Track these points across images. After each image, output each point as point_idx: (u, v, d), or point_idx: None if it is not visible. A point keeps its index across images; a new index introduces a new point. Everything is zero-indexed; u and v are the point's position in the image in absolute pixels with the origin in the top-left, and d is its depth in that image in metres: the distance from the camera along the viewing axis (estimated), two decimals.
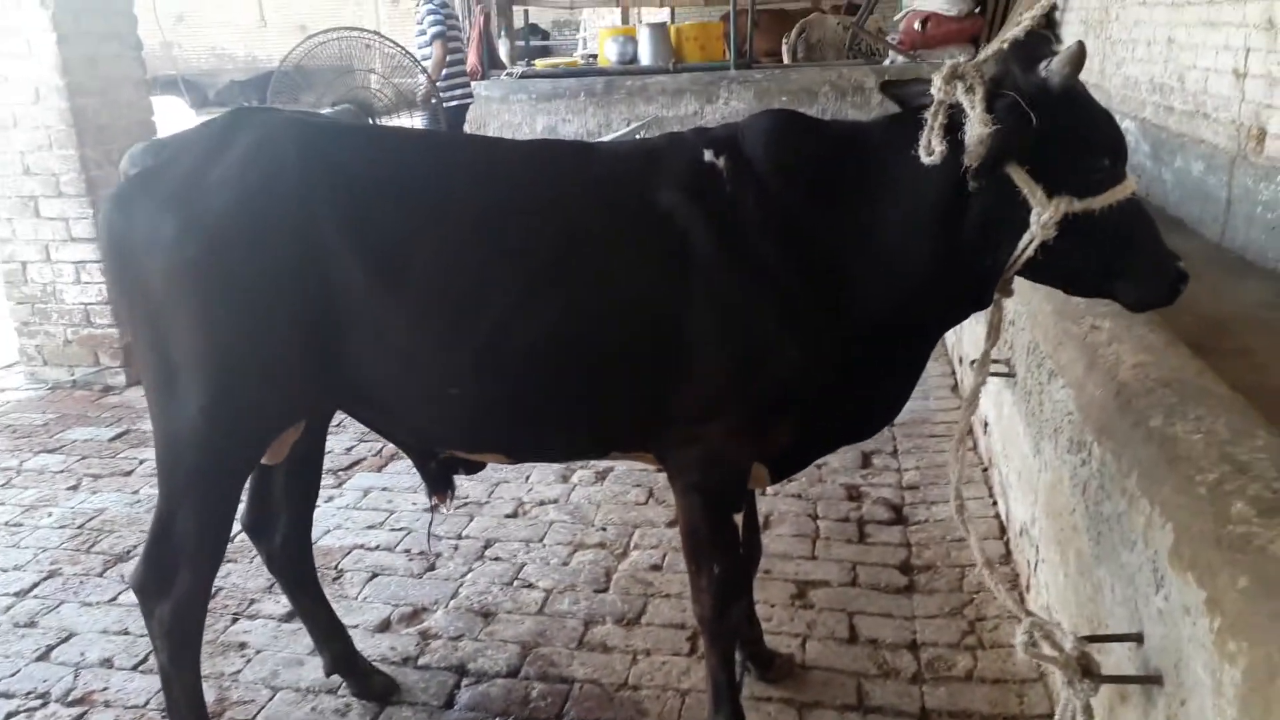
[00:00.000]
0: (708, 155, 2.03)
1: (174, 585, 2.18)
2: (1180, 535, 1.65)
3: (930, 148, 1.89)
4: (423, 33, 7.70)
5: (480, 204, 2.06)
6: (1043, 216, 1.82)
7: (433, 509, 3.19)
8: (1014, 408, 3.16)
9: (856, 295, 2.01)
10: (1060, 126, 1.82)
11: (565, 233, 2.03)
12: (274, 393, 2.10)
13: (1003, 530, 3.38)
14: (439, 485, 2.49)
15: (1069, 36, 7.93)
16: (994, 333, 2.12)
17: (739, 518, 2.25)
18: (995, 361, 3.02)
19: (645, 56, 10.81)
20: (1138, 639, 1.80)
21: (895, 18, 10.34)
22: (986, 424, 3.89)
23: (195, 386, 2.04)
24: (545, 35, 17.79)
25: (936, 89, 1.87)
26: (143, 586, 2.22)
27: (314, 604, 2.68)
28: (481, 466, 2.49)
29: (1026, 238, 1.85)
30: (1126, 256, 1.88)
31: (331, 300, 2.01)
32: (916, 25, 9.66)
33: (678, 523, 2.31)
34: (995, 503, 3.57)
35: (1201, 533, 1.60)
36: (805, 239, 2.02)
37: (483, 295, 2.01)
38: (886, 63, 9.99)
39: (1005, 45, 1.89)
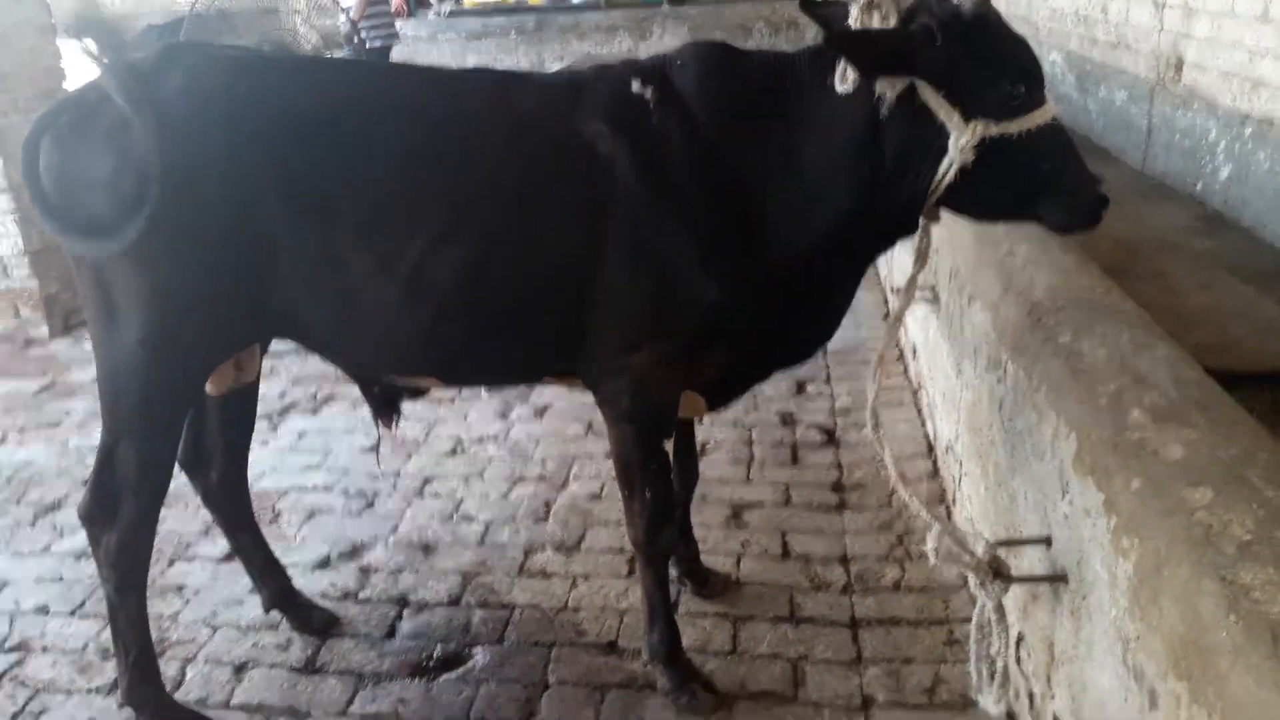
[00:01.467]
0: (635, 86, 2.04)
1: (120, 514, 2.21)
2: (1082, 443, 1.73)
3: (845, 76, 1.92)
4: None
5: (405, 135, 2.06)
6: (960, 140, 1.86)
7: (378, 439, 3.18)
8: (938, 331, 3.24)
9: (781, 225, 2.04)
10: (974, 52, 1.86)
11: (488, 162, 2.04)
12: (211, 324, 2.12)
13: (930, 449, 3.50)
14: (384, 411, 2.51)
15: None
16: (920, 259, 2.17)
17: (670, 444, 2.30)
18: (921, 288, 3.11)
19: None
20: (1046, 542, 1.90)
21: None
22: (915, 348, 3.99)
23: (134, 319, 2.05)
24: None
25: (853, 18, 1.89)
26: (89, 515, 2.24)
27: (251, 541, 2.70)
28: (424, 392, 2.52)
29: (945, 162, 1.89)
30: (1048, 180, 1.92)
31: (263, 232, 2.02)
32: None
33: (611, 451, 2.35)
34: (924, 423, 3.68)
35: (1101, 440, 1.69)
36: (729, 170, 2.04)
37: (407, 226, 2.02)
38: None
39: None
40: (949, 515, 3.07)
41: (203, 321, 2.10)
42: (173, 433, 2.23)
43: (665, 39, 9.65)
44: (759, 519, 3.18)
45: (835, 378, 4.20)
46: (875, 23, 1.87)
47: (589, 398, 2.35)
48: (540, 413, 4.06)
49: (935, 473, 3.35)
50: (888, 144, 1.95)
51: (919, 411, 3.79)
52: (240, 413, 2.53)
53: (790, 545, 3.03)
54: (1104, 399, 1.76)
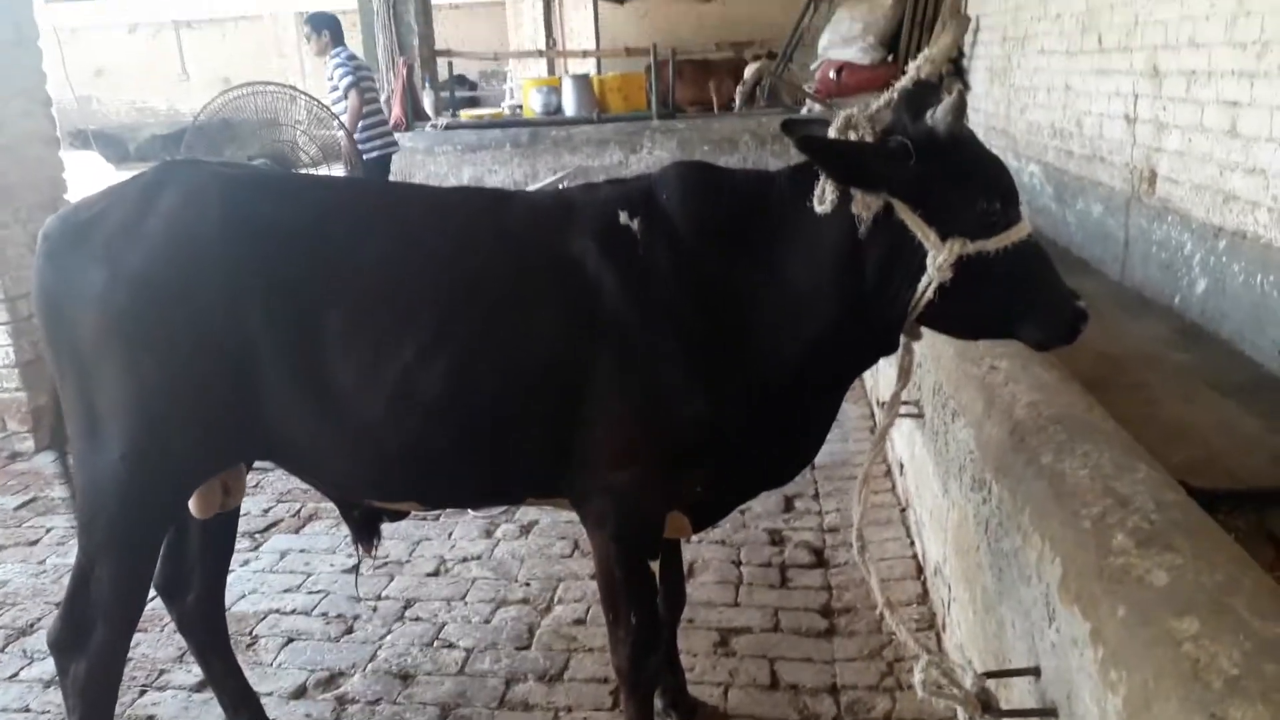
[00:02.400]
0: (622, 217, 2.09)
1: (90, 640, 2.17)
2: (1067, 568, 1.71)
3: (823, 196, 1.98)
4: (335, 87, 7.69)
5: (392, 254, 2.11)
6: (938, 259, 1.90)
7: (357, 565, 3.14)
8: (924, 448, 3.24)
9: (766, 344, 2.07)
10: (949, 170, 1.91)
11: (472, 282, 2.08)
12: (196, 441, 2.12)
13: (919, 570, 3.45)
14: (364, 534, 2.48)
15: (976, 84, 8.27)
16: (903, 376, 2.19)
17: (655, 566, 2.27)
18: (905, 403, 3.12)
19: (570, 107, 10.97)
20: (1035, 673, 1.86)
21: (812, 66, 10.66)
22: (902, 465, 3.98)
23: (119, 434, 2.06)
24: (473, 86, 17.85)
25: (835, 137, 1.96)
26: (59, 643, 2.21)
27: (224, 668, 2.64)
28: (404, 515, 2.50)
29: (924, 280, 1.93)
30: (1025, 297, 1.96)
31: (251, 350, 2.05)
32: (831, 74, 9.97)
33: (596, 572, 2.32)
34: (912, 543, 3.64)
35: (1086, 565, 1.67)
36: (714, 291, 2.08)
37: (390, 345, 2.04)
38: (804, 111, 10.26)
39: (895, 95, 1.98)
40: (939, 642, 3.01)
41: (187, 437, 2.10)
42: (152, 554, 2.22)
43: (655, 152, 9.93)
44: (747, 645, 3.11)
45: (823, 493, 4.18)
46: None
47: (573, 513, 2.33)
48: (526, 529, 4.01)
49: (925, 596, 3.30)
50: (868, 263, 1.99)
51: (908, 530, 3.76)
52: (221, 535, 2.52)
53: (779, 674, 2.96)
54: (1087, 522, 1.75)
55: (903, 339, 2.11)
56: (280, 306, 2.04)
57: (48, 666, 3.03)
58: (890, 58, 9.81)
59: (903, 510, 3.90)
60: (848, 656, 3.02)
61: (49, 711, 2.93)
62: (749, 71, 11.71)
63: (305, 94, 7.06)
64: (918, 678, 1.78)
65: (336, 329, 2.05)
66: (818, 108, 10.29)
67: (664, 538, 2.32)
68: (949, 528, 2.79)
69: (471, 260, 2.11)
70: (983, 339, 2.22)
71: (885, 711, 2.75)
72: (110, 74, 21.37)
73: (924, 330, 2.12)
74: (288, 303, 2.05)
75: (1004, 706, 1.82)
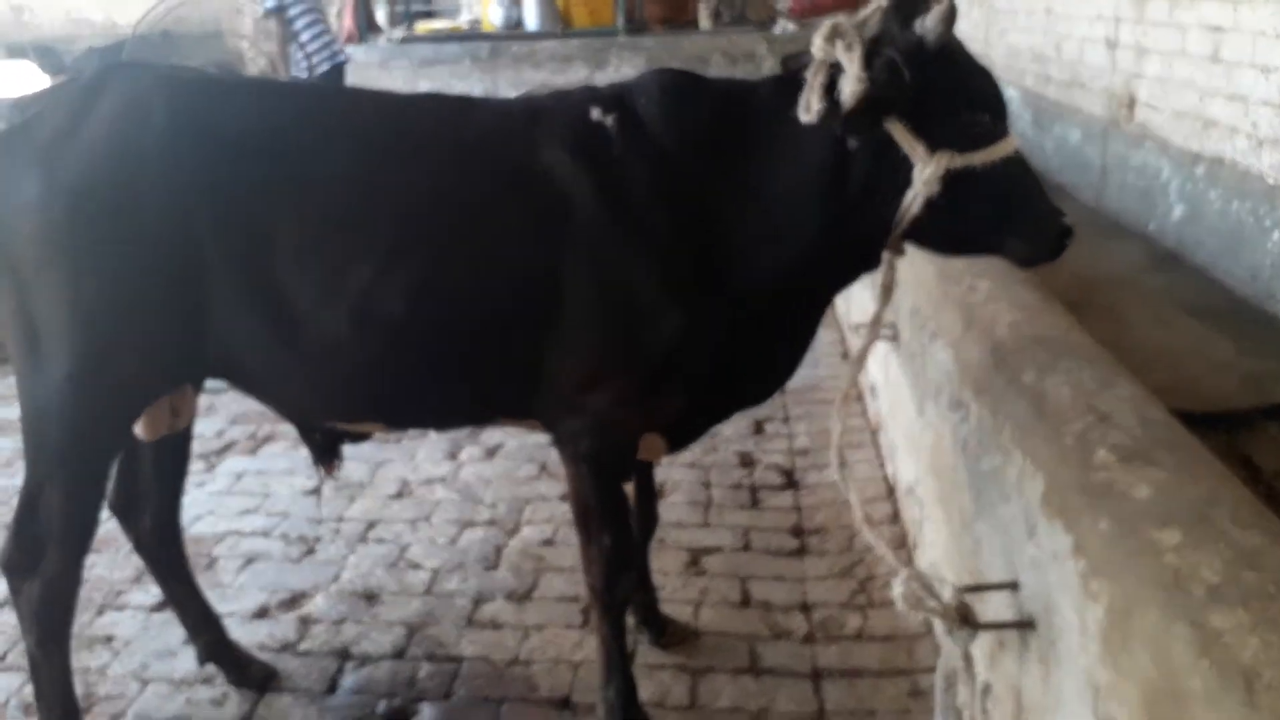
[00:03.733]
0: (595, 113, 2.04)
1: (42, 563, 2.13)
2: (1049, 484, 1.75)
3: (809, 106, 1.95)
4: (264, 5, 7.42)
5: (351, 160, 2.04)
6: (925, 172, 1.88)
7: (319, 484, 3.09)
8: (899, 370, 3.27)
9: (744, 258, 2.05)
10: (937, 82, 1.89)
11: (438, 187, 2.03)
12: (143, 359, 2.06)
13: (891, 491, 3.51)
14: (325, 455, 2.46)
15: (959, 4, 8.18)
16: (885, 294, 2.17)
17: (629, 487, 2.28)
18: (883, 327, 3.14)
19: (532, 21, 10.69)
20: (1012, 586, 1.90)
21: None
22: (874, 388, 4.02)
23: (61, 354, 2.00)
24: (427, 1, 17.34)
25: (816, 47, 1.92)
26: (9, 564, 2.17)
27: (184, 590, 2.62)
28: (367, 436, 2.47)
29: (910, 194, 1.91)
30: (1012, 212, 1.95)
31: (199, 265, 1.98)
32: None
33: (568, 492, 2.33)
34: (884, 465, 3.70)
35: (1068, 481, 1.70)
36: (692, 201, 2.05)
37: (350, 255, 1.99)
38: (776, 30, 10.12)
39: (883, 4, 1.94)
40: (910, 560, 3.07)
41: (133, 355, 2.04)
42: (100, 476, 2.17)
43: (622, 69, 9.72)
44: (718, 565, 3.16)
45: (793, 417, 4.22)
46: (839, 52, 1.89)
47: (542, 437, 2.32)
48: (491, 452, 4.01)
49: (896, 516, 3.36)
50: (853, 175, 1.97)
51: (878, 453, 3.81)
52: (174, 456, 2.47)
53: (750, 592, 3.01)
54: (1070, 439, 1.78)
55: (885, 256, 2.10)
56: (230, 218, 1.97)
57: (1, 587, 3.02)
58: None
59: (874, 433, 3.95)
60: (819, 575, 3.08)
61: (3, 632, 2.90)
62: None
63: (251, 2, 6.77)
64: (897, 590, 1.81)
65: (291, 242, 1.99)
66: (791, 26, 10.15)
67: (638, 459, 2.32)
68: (924, 449, 2.83)
69: (435, 168, 2.05)
70: (967, 254, 2.20)
71: (856, 628, 2.82)
72: None
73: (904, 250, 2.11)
74: (238, 214, 1.98)
75: (981, 620, 1.86)
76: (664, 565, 3.11)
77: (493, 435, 4.11)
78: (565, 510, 3.50)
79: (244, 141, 2.01)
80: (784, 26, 10.09)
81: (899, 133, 1.90)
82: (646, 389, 2.14)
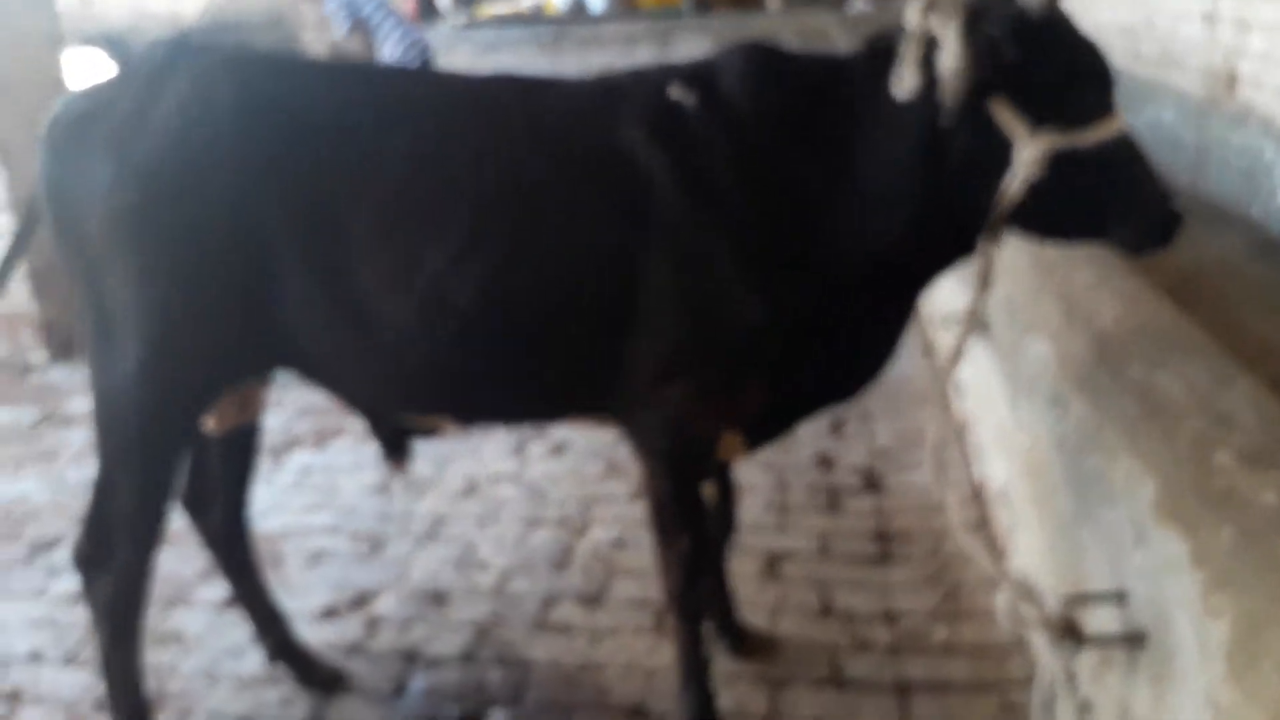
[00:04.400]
0: (674, 91, 2.01)
1: (115, 557, 2.17)
2: (1163, 488, 1.67)
3: (903, 81, 1.89)
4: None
5: (424, 143, 2.03)
6: (1025, 153, 1.82)
7: (389, 479, 3.08)
8: (990, 365, 3.18)
9: (833, 241, 2.00)
10: (1041, 58, 1.82)
11: (514, 172, 2.01)
12: (214, 348, 2.09)
13: (978, 495, 3.42)
14: (395, 451, 2.46)
15: None
16: (982, 284, 2.05)
17: (707, 487, 2.25)
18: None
19: (597, 3, 10.70)
20: (1119, 598, 1.83)
21: None
22: (960, 385, 3.93)
23: (133, 342, 2.03)
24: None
25: (911, 19, 1.87)
26: (82, 558, 2.22)
27: (252, 587, 2.66)
28: (436, 431, 2.47)
29: (1010, 176, 1.84)
30: (1119, 197, 1.87)
31: (270, 248, 2.00)
32: None
33: (643, 493, 2.30)
34: (970, 466, 3.61)
35: (1184, 484, 1.63)
36: (778, 183, 2.01)
37: (425, 242, 1.99)
38: (850, 9, 9.98)
39: None
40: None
41: (205, 344, 2.07)
42: (172, 469, 2.20)
43: (690, 51, 9.70)
44: (796, 570, 3.11)
45: (873, 415, 4.14)
46: (935, 26, 1.84)
47: (609, 434, 2.29)
48: (558, 450, 4.01)
49: (985, 521, 3.28)
50: (949, 155, 1.90)
51: (964, 454, 3.72)
52: (243, 450, 2.50)
53: (830, 600, 2.96)
54: (1185, 440, 1.70)
55: (982, 243, 2.01)
56: (301, 202, 1.99)
57: (73, 583, 3.10)
58: None
59: (959, 433, 3.85)
60: (903, 583, 3.01)
61: (77, 626, 2.98)
62: None
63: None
64: (1000, 602, 1.75)
65: (363, 228, 2.00)
66: (864, 5, 10.02)
67: (717, 458, 2.29)
68: (1019, 449, 2.75)
69: (511, 152, 2.04)
70: (1070, 242, 2.11)
71: (944, 640, 2.75)
72: None
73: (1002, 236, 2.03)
74: (309, 198, 1.99)
75: (1087, 634, 1.79)
76: (740, 570, 3.06)
77: (559, 431, 4.11)
78: (635, 511, 3.50)
79: (314, 123, 2.02)
80: (858, 5, 9.93)
81: (999, 110, 1.84)
82: (727, 380, 2.10)
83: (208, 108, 1.97)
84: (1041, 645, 1.87)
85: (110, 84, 2.05)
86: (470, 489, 3.75)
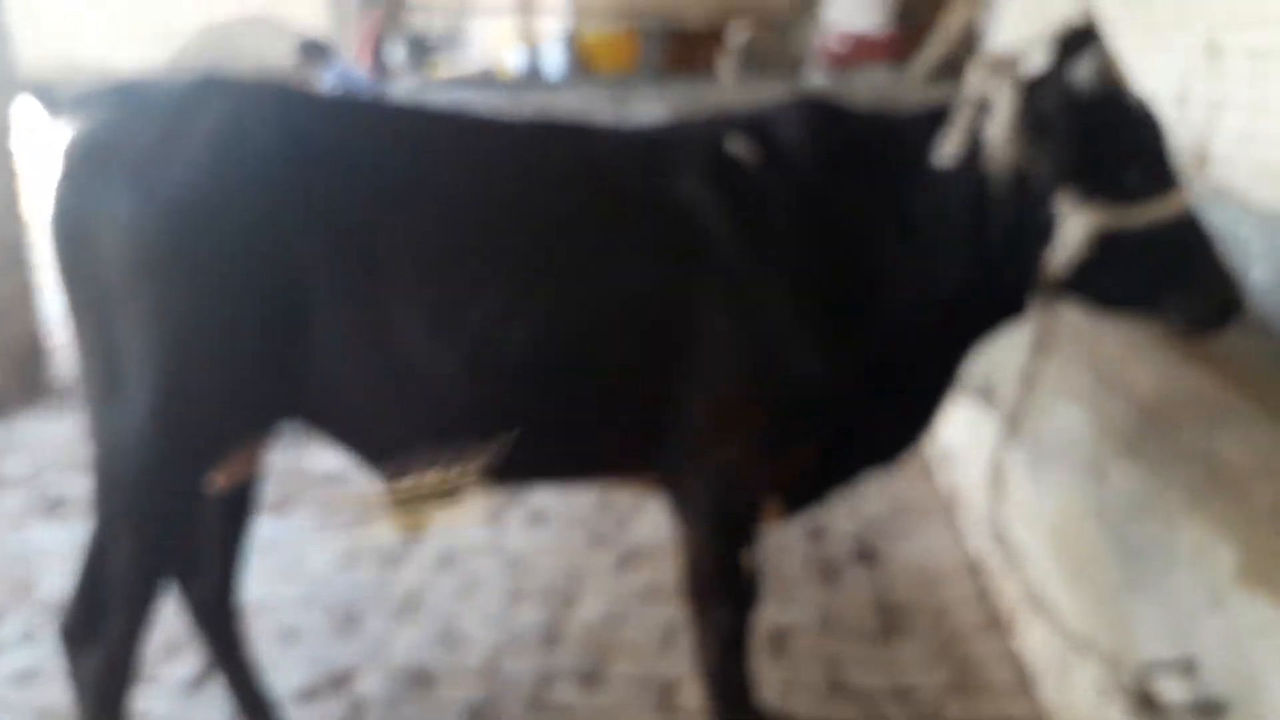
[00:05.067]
0: (731, 146, 2.01)
1: (108, 628, 2.03)
2: (1245, 552, 1.68)
3: (948, 145, 1.92)
4: None
5: (469, 186, 2.01)
6: (1069, 231, 1.84)
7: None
8: (996, 434, 3.20)
9: (886, 302, 2.02)
10: (1093, 129, 1.85)
11: (568, 218, 2.00)
12: (234, 396, 1.99)
13: (974, 569, 3.42)
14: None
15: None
16: (1039, 350, 2.08)
17: (749, 554, 2.20)
18: (970, 387, 3.09)
19: (553, 67, 10.83)
20: (1189, 666, 1.81)
21: (816, 34, 10.65)
22: (948, 454, 3.95)
23: (145, 388, 1.92)
24: (431, 48, 17.62)
25: (970, 81, 1.90)
26: (70, 630, 2.06)
27: (241, 666, 2.51)
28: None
29: (1057, 251, 1.87)
30: (1173, 276, 1.89)
31: (303, 293, 1.93)
32: (835, 45, 9.97)
33: (681, 559, 2.25)
34: (961, 540, 3.61)
35: (1269, 547, 1.63)
36: (834, 238, 2.02)
37: (469, 292, 1.95)
38: (803, 82, 10.25)
39: (1049, 39, 1.91)
40: (1008, 642, 2.98)
41: (227, 391, 1.97)
42: (174, 530, 2.08)
43: (645, 115, 9.83)
44: (802, 646, 3.06)
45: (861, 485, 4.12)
46: (990, 90, 1.87)
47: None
48: (537, 518, 3.92)
49: (983, 594, 3.27)
50: (995, 224, 1.93)
51: (953, 527, 3.73)
52: (242, 507, 2.38)
53: (840, 677, 2.91)
54: (1261, 503, 1.72)
55: (1043, 306, 2.00)
56: (340, 242, 1.93)
57: (18, 660, 2.90)
58: (900, 29, 9.83)
59: (947, 507, 3.86)
60: (912, 658, 2.98)
61: (25, 710, 2.77)
62: (738, 40, 11.66)
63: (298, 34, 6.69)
64: (1092, 684, 1.72)
65: (405, 271, 1.95)
66: (817, 77, 10.28)
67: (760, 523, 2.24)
68: (1038, 519, 2.75)
69: (560, 198, 2.02)
70: (1120, 316, 2.12)
71: (959, 716, 2.71)
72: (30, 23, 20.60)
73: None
74: (349, 238, 1.93)
75: (1167, 702, 1.77)
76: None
77: (537, 499, 4.02)
78: (626, 583, 3.43)
79: (354, 162, 1.97)
80: (813, 78, 10.21)
81: (1047, 184, 1.87)
82: (778, 442, 2.08)
83: (242, 140, 1.90)
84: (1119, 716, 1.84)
85: (133, 114, 1.98)
86: (446, 560, 3.63)
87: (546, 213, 2.00)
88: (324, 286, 1.92)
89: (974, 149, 1.92)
